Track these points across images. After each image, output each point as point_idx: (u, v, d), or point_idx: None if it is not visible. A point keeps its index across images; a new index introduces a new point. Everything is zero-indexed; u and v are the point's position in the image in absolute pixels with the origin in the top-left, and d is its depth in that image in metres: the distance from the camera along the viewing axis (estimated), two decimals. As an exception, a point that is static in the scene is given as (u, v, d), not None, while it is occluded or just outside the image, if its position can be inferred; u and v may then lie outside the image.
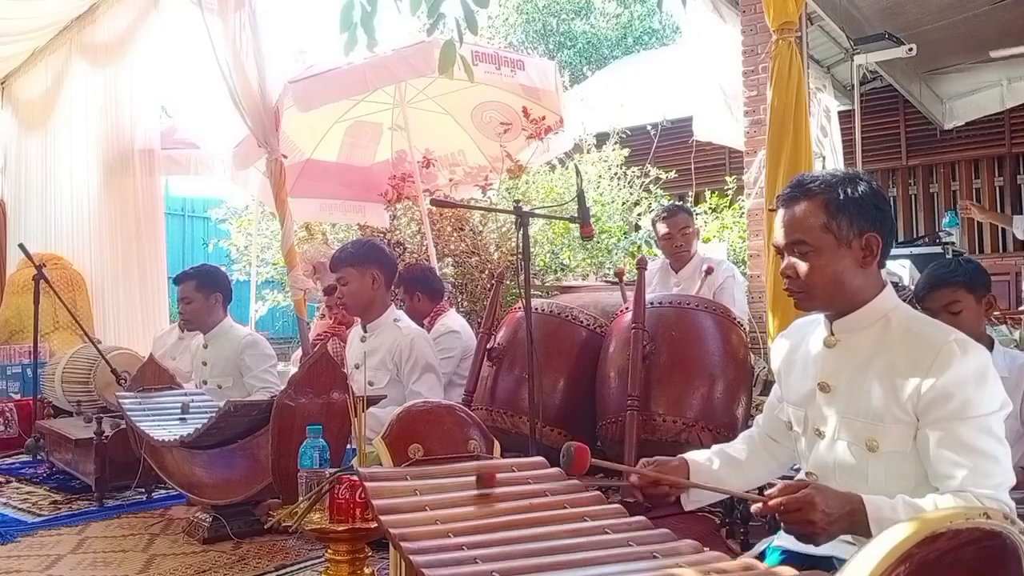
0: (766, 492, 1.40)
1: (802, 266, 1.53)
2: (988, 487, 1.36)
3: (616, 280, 4.04)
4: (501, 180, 6.65)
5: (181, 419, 3.24)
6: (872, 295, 1.53)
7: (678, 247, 4.15)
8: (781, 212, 1.58)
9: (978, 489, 1.35)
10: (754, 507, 1.41)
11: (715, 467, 1.72)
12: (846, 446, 1.52)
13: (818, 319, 1.62)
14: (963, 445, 1.38)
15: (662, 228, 4.28)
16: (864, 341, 1.52)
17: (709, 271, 4.08)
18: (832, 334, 1.57)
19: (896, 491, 1.45)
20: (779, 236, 1.57)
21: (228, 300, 3.85)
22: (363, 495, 1.65)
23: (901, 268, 5.06)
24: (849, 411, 1.52)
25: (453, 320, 3.98)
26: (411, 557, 1.16)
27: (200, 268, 3.91)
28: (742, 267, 5.84)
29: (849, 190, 1.51)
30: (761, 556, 1.59)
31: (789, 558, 1.53)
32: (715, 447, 1.80)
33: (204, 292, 3.73)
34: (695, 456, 1.73)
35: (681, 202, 7.56)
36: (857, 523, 1.34)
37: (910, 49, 5.69)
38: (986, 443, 1.38)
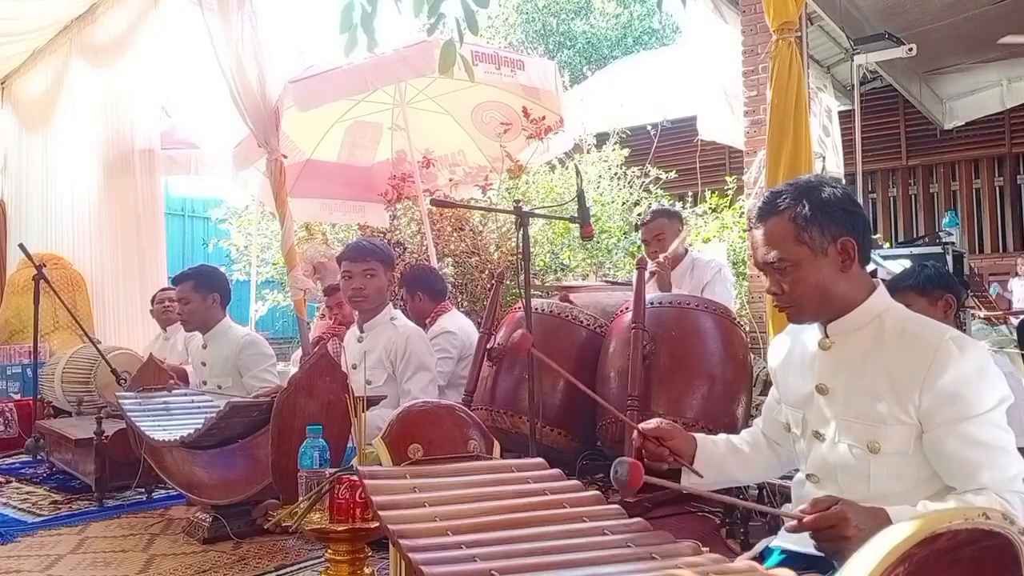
0: (799, 509, 1.39)
1: (784, 282, 1.54)
2: (1007, 480, 1.37)
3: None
4: (501, 180, 6.65)
5: (182, 409, 3.29)
6: (863, 297, 1.53)
7: (652, 252, 4.15)
8: (755, 232, 1.58)
9: (999, 486, 1.36)
10: (788, 525, 1.40)
11: (720, 450, 1.73)
12: (847, 448, 1.52)
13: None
14: (976, 443, 1.38)
15: (641, 233, 4.30)
16: (859, 343, 1.53)
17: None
18: (826, 336, 1.57)
19: (897, 491, 1.46)
20: (758, 256, 1.58)
21: (226, 300, 3.84)
22: (363, 495, 1.65)
23: (901, 268, 5.06)
24: (848, 413, 1.52)
25: (451, 320, 3.97)
26: (409, 555, 1.16)
27: (197, 269, 3.90)
28: (742, 267, 5.85)
29: (814, 199, 1.52)
30: (761, 556, 1.59)
31: (789, 558, 1.53)
32: (721, 435, 1.80)
33: (201, 292, 3.73)
34: (703, 438, 1.74)
35: (680, 203, 7.55)
36: None
37: (910, 49, 5.70)
38: (996, 436, 1.39)
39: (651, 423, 1.68)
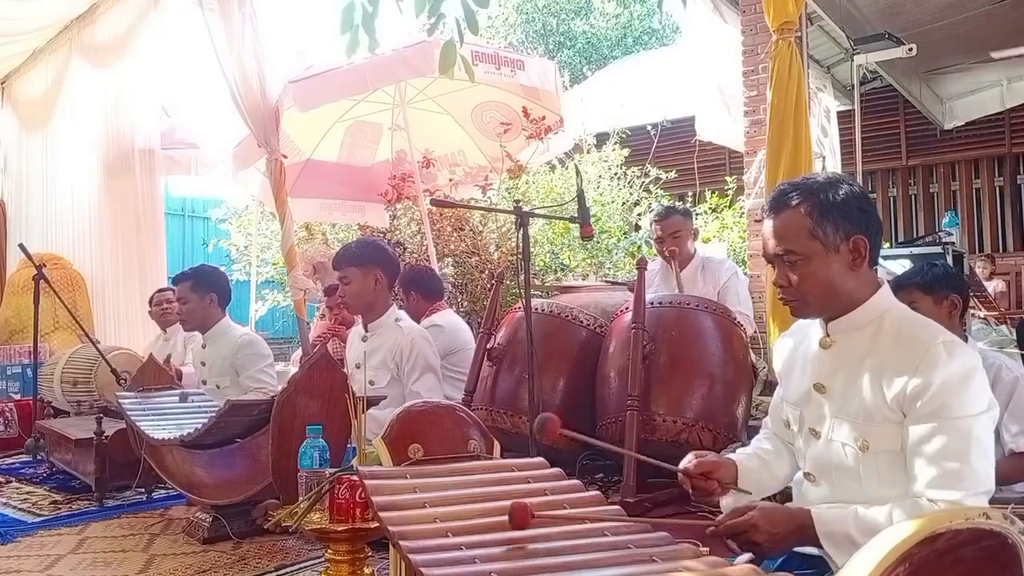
0: (719, 517, 1.47)
1: (792, 275, 1.54)
2: (955, 490, 1.35)
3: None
4: (501, 180, 6.66)
5: (181, 409, 3.30)
6: (866, 296, 1.54)
7: (669, 250, 4.13)
8: (767, 223, 1.58)
9: (940, 492, 1.35)
10: (708, 530, 1.46)
11: (756, 466, 1.73)
12: (840, 446, 1.53)
13: (816, 320, 1.63)
14: (935, 446, 1.38)
15: (655, 231, 4.26)
16: (858, 342, 1.53)
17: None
18: (828, 335, 1.58)
19: (889, 491, 1.46)
20: (768, 247, 1.58)
21: (225, 300, 3.85)
22: (363, 495, 1.65)
23: (901, 268, 5.06)
24: (842, 411, 1.53)
25: (441, 317, 3.98)
26: (410, 556, 1.16)
27: (197, 269, 3.91)
28: (742, 267, 5.85)
29: (831, 195, 1.52)
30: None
31: (788, 559, 1.53)
32: (749, 449, 1.80)
33: (199, 292, 3.74)
34: (740, 458, 1.73)
35: (680, 203, 7.55)
36: (807, 537, 1.42)
37: (910, 49, 5.69)
38: (962, 446, 1.37)
39: (691, 460, 1.65)
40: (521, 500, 1.30)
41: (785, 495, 1.82)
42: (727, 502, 1.70)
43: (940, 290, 2.47)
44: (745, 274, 5.43)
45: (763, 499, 1.72)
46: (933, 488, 1.36)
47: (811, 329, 1.65)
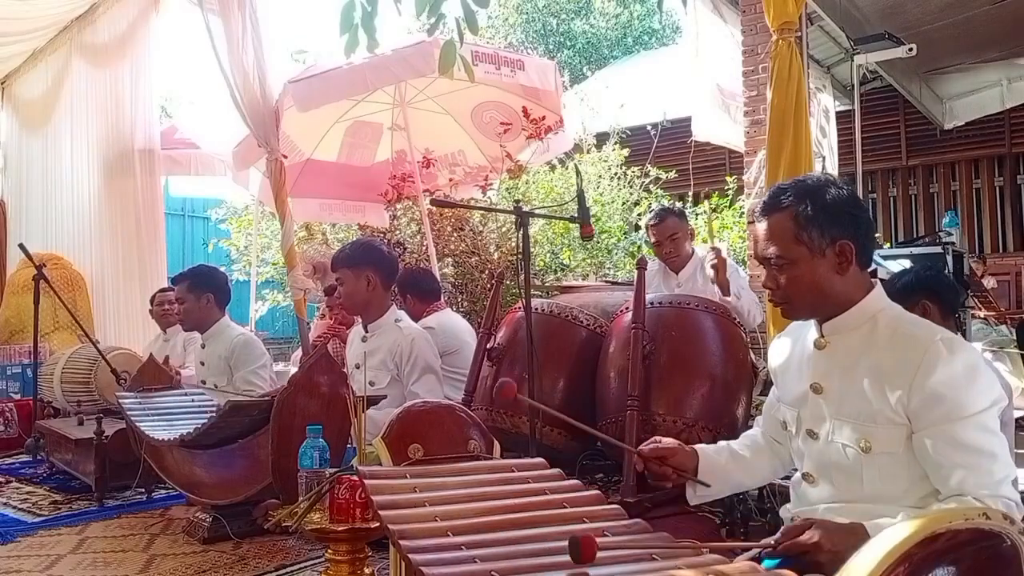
0: (774, 539, 1.41)
1: (780, 278, 1.55)
2: (989, 485, 1.37)
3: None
4: (501, 180, 6.65)
5: (181, 409, 3.31)
6: (858, 297, 1.54)
7: (667, 253, 4.12)
8: (757, 226, 1.60)
9: (979, 490, 1.36)
10: (764, 552, 1.41)
11: (723, 460, 1.74)
12: (840, 447, 1.53)
13: (811, 320, 1.63)
14: (960, 446, 1.38)
15: (652, 235, 4.24)
16: (853, 342, 1.53)
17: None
18: (822, 335, 1.58)
19: (891, 492, 1.46)
20: (758, 249, 1.60)
21: (224, 300, 3.86)
22: (363, 495, 1.65)
23: (900, 268, 5.05)
24: (841, 412, 1.53)
25: (435, 318, 3.97)
26: (410, 556, 1.16)
27: (194, 269, 3.93)
28: (742, 267, 5.86)
29: (818, 200, 1.52)
30: (760, 557, 1.59)
31: (789, 559, 1.53)
32: (722, 443, 1.80)
33: (196, 293, 3.76)
34: (705, 449, 1.74)
35: (680, 203, 7.55)
36: None
37: (910, 49, 5.69)
38: (983, 440, 1.39)
39: (649, 445, 1.68)
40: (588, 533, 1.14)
41: (784, 495, 1.82)
42: (689, 494, 1.71)
43: (911, 295, 2.41)
44: (745, 273, 5.43)
45: (732, 495, 1.72)
46: (977, 487, 1.36)
47: (807, 330, 1.65)
